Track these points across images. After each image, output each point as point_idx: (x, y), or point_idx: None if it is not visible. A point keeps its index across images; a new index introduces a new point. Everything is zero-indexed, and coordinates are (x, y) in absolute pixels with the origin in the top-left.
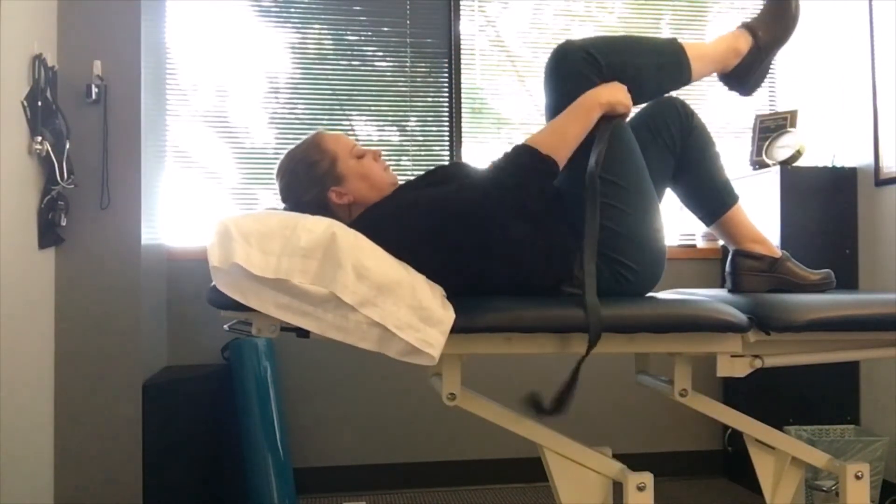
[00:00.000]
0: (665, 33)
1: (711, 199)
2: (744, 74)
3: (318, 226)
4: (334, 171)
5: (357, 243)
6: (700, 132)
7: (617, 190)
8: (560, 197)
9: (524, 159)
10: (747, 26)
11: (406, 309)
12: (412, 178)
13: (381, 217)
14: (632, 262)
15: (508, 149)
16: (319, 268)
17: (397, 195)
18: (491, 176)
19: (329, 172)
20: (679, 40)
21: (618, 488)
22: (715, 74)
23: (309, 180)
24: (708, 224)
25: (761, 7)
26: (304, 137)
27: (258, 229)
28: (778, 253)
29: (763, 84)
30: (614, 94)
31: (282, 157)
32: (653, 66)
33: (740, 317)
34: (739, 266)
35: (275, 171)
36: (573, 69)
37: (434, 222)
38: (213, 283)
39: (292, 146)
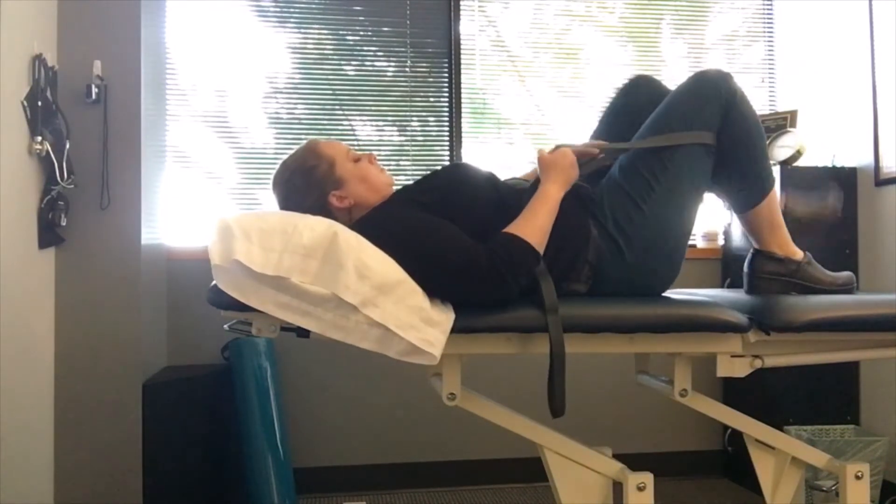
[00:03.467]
0: (665, 34)
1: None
2: (765, 267)
3: (319, 224)
4: (333, 174)
5: (359, 242)
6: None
7: (662, 174)
8: (580, 193)
9: (523, 255)
10: (808, 254)
11: (407, 309)
12: (411, 180)
13: (380, 233)
14: (632, 233)
15: (502, 238)
16: (320, 269)
17: (397, 209)
18: (484, 255)
19: (328, 176)
20: None
21: (618, 488)
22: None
23: (308, 186)
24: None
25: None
26: (297, 147)
27: (259, 226)
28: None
29: (764, 83)
30: (561, 176)
31: (278, 166)
32: (755, 154)
33: (740, 317)
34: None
35: (271, 183)
36: (713, 82)
37: (435, 252)
38: (214, 283)
39: (287, 154)
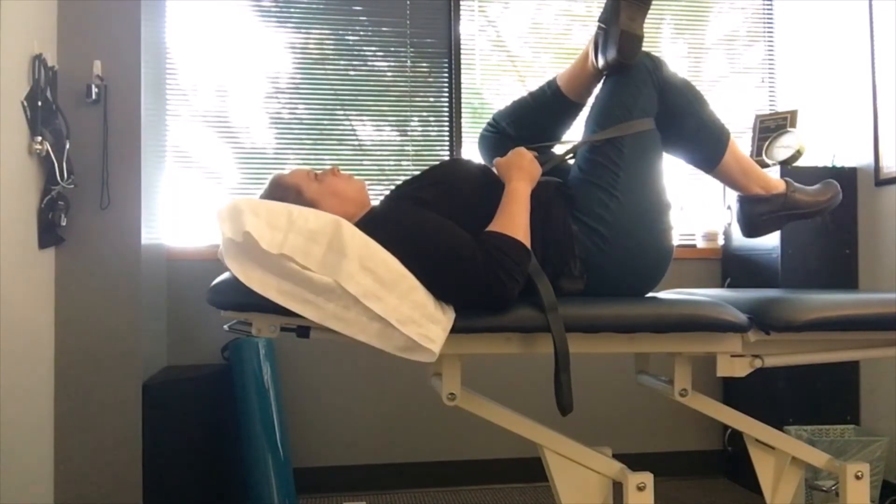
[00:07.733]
0: (666, 34)
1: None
2: (756, 210)
3: (323, 214)
4: (302, 200)
5: (362, 235)
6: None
7: (620, 159)
8: (559, 189)
9: (515, 251)
10: (787, 181)
11: (409, 304)
12: (410, 177)
13: (380, 233)
14: (612, 221)
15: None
16: (324, 255)
17: (395, 208)
18: (481, 255)
19: (298, 203)
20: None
21: (618, 488)
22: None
23: None
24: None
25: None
26: (264, 186)
27: (266, 206)
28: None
29: (764, 83)
30: (525, 174)
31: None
32: (697, 116)
33: (740, 317)
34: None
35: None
36: (640, 66)
37: (433, 246)
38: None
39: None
